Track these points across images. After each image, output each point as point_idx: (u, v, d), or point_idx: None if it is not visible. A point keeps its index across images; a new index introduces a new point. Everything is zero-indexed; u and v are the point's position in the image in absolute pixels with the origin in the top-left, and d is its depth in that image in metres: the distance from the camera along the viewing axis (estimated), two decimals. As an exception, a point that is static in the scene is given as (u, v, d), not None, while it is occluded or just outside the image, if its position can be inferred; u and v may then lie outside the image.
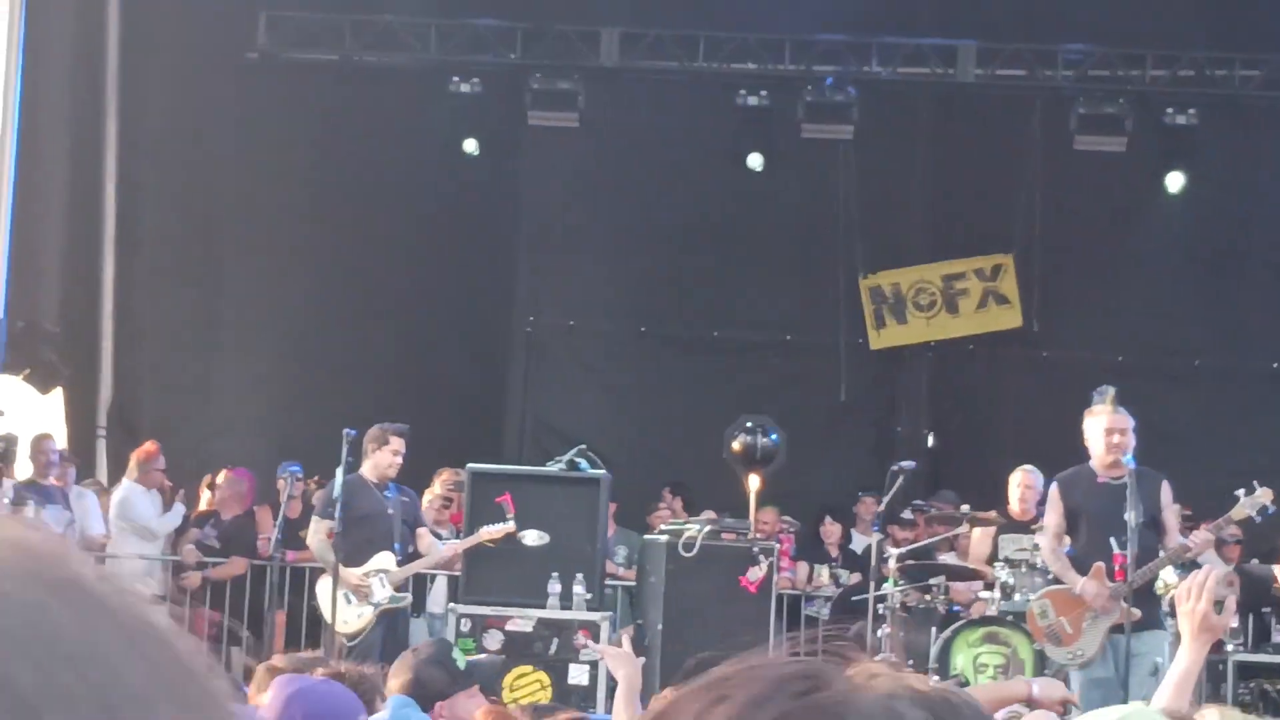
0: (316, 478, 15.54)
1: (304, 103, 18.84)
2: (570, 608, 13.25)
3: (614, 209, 19.47)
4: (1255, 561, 16.05)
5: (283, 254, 18.97)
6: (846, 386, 19.47)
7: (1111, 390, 11.85)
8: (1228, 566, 15.38)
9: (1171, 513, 12.05)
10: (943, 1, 19.10)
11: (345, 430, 13.01)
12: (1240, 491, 12.30)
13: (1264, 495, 12.13)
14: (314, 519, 13.44)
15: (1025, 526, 13.94)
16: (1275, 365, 19.15)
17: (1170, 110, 18.46)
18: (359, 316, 18.96)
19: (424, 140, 18.86)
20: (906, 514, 16.10)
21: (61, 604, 0.99)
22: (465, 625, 13.11)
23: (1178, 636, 5.55)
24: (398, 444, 13.21)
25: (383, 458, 13.18)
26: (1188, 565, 11.76)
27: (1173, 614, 8.61)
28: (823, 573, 16.86)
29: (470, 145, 18.96)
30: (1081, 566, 11.92)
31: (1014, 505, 14.44)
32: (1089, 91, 18.55)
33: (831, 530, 17.24)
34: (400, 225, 19.03)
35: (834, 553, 17.15)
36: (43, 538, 1.03)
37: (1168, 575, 11.69)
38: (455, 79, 18.70)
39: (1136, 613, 11.38)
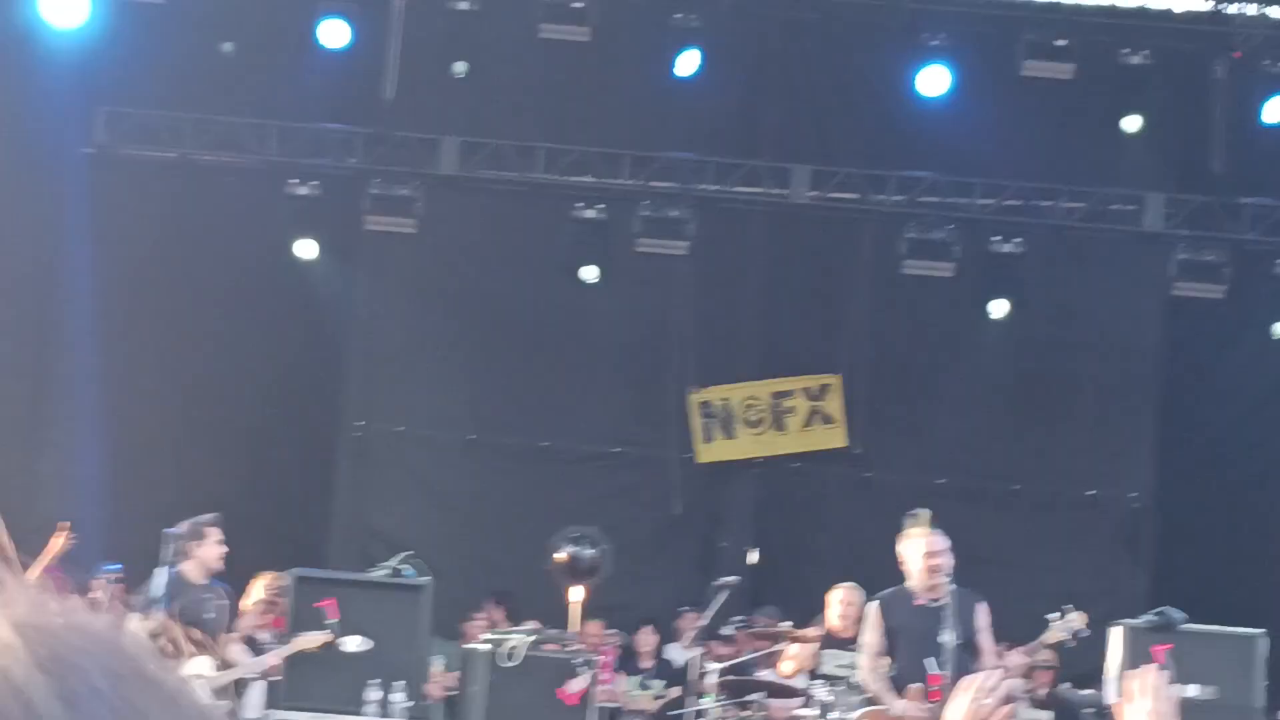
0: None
1: (141, 199, 18.69)
2: (389, 715, 13.18)
3: (448, 316, 19.50)
4: (1069, 685, 16.26)
5: (114, 350, 18.75)
6: (681, 500, 19.56)
7: (926, 513, 12.04)
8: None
9: (987, 635, 12.22)
10: (779, 123, 19.37)
11: (165, 530, 12.86)
12: (1054, 616, 12.51)
13: (1077, 619, 12.35)
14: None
15: (846, 643, 14.04)
16: (1091, 492, 19.48)
17: (996, 238, 18.79)
18: (189, 416, 18.79)
19: (260, 241, 18.77)
20: (727, 629, 16.16)
21: (150, 700, 1.05)
22: (282, 731, 13.00)
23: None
24: (217, 534, 12.92)
25: (209, 551, 12.87)
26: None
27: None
28: (631, 684, 16.88)
29: (306, 248, 18.95)
30: (899, 687, 12.06)
31: (834, 622, 14.54)
32: (918, 217, 18.80)
33: (649, 640, 17.28)
34: (234, 325, 18.92)
35: (647, 663, 17.19)
36: (108, 626, 1.09)
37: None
38: (293, 181, 18.70)
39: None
